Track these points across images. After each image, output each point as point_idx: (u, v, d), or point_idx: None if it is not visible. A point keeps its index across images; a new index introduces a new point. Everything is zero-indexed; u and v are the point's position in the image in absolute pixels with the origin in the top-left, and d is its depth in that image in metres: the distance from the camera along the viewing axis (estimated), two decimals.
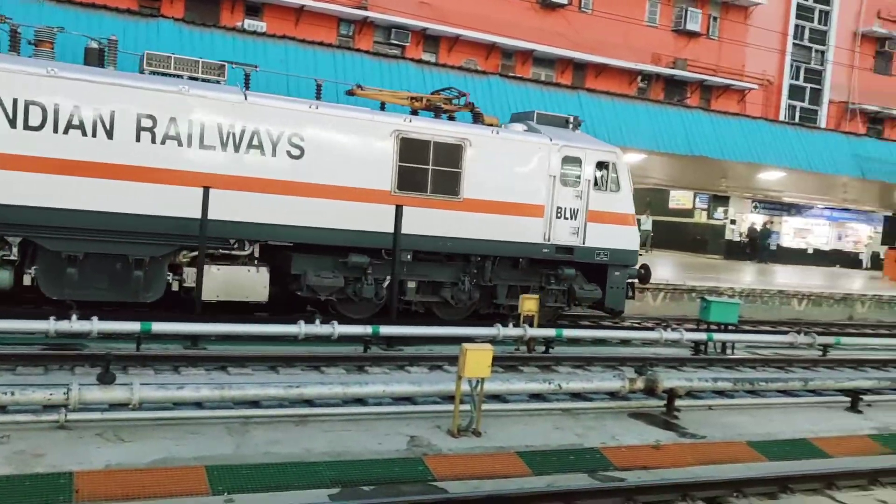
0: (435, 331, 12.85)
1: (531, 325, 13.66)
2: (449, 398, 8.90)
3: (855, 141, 27.36)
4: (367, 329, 11.95)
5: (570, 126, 16.09)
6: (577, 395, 10.24)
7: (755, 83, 35.41)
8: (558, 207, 15.05)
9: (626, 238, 15.76)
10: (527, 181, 14.78)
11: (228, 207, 12.45)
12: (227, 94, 12.57)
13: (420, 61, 21.82)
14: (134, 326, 10.46)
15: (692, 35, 33.90)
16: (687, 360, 13.85)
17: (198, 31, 19.27)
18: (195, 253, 12.56)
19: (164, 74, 12.55)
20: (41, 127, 11.33)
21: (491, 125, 15.06)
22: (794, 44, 36.88)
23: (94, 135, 11.63)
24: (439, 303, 14.75)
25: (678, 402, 10.32)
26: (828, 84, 37.78)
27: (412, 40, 29.38)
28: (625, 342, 14.95)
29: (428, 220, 13.99)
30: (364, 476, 7.22)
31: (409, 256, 14.04)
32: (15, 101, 11.19)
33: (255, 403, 8.51)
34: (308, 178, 13.03)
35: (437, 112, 15.08)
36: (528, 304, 14.07)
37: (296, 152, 12.93)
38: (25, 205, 11.28)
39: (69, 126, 11.50)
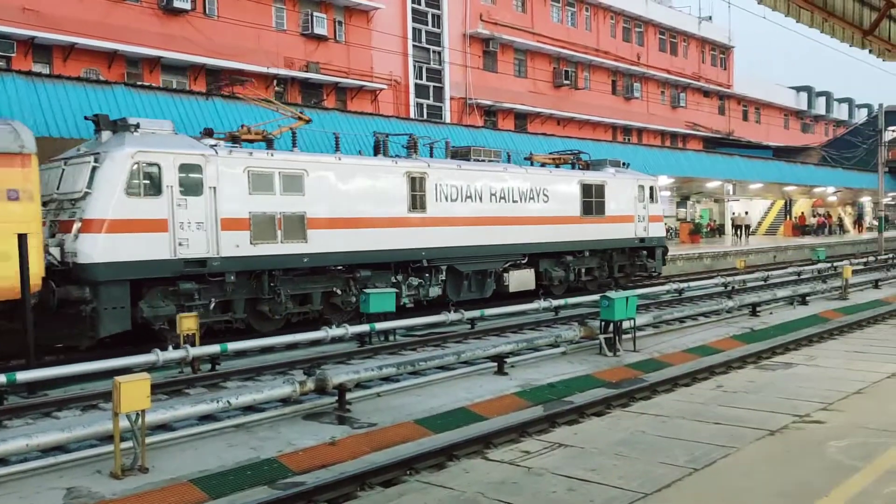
0: (85, 367, 11.74)
1: (193, 345, 13.11)
2: (108, 438, 8.21)
3: (475, 132, 30.25)
4: (0, 378, 10.53)
5: (623, 165, 26.08)
6: (249, 409, 10.06)
7: (384, 83, 37.49)
8: (632, 215, 24.80)
9: (660, 229, 26.45)
10: (626, 202, 24.62)
11: (523, 235, 21.23)
12: (521, 169, 21.85)
13: (30, 73, 19.60)
14: None
15: (321, 39, 34.83)
16: (354, 353, 14.33)
17: None
18: (508, 263, 21.09)
19: (479, 160, 21.00)
20: (456, 199, 19.55)
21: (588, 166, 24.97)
22: (414, 46, 39.60)
23: (480, 200, 20.13)
24: (590, 280, 23.97)
25: (349, 396, 10.65)
26: (447, 82, 41.23)
27: (19, 50, 26.28)
28: (292, 346, 15.01)
29: (597, 231, 23.54)
30: None
31: (586, 253, 23.48)
32: (437, 185, 19.14)
33: None
34: (546, 214, 22.00)
35: (573, 164, 24.58)
36: (187, 322, 13.48)
37: (545, 199, 22.04)
38: (452, 245, 19.32)
39: (466, 196, 19.75)
